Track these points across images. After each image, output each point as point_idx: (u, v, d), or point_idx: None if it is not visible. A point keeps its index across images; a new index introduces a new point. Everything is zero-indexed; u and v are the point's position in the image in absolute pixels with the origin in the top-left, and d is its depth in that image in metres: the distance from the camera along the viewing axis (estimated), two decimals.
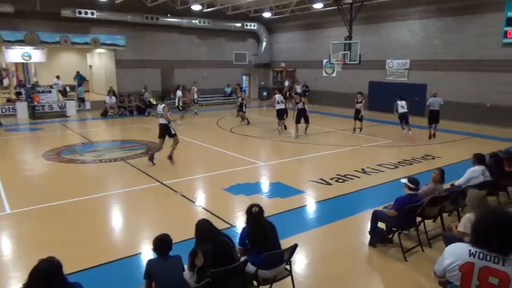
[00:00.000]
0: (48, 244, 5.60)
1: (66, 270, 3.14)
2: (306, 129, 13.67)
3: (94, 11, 19.38)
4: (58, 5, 18.61)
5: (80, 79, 23.60)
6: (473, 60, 16.44)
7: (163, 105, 10.01)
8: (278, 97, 14.86)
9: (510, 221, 2.50)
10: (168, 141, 10.17)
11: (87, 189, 8.18)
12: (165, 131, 9.98)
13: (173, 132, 9.99)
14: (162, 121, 9.98)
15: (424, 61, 18.22)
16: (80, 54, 26.93)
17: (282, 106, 14.68)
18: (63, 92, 22.34)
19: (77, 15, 18.95)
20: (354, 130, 14.79)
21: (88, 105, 21.10)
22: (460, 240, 4.71)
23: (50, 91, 19.55)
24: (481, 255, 2.49)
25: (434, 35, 17.78)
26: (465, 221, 4.64)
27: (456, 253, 2.61)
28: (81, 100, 20.92)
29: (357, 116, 14.67)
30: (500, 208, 3.01)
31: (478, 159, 6.67)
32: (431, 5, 17.71)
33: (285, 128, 15.01)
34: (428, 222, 6.07)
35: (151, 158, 10.06)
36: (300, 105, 13.32)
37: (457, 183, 6.66)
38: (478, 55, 16.25)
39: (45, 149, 11.73)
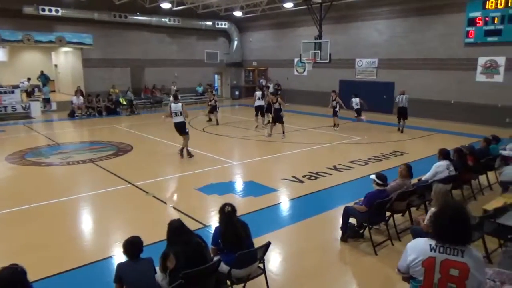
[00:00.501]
0: (12, 251, 5.40)
1: (32, 277, 3.03)
2: (283, 131, 13.52)
3: (59, 8, 18.70)
4: (20, 2, 17.86)
5: (45, 79, 22.75)
6: (437, 59, 17.04)
7: (180, 103, 10.51)
8: (258, 93, 15.46)
9: (465, 213, 2.59)
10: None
11: (54, 192, 7.91)
12: (180, 128, 10.45)
13: (187, 130, 10.55)
14: (179, 119, 10.37)
15: (391, 59, 18.72)
16: (45, 53, 25.97)
17: (261, 102, 15.17)
18: (31, 93, 21.54)
19: (41, 12, 18.22)
20: (335, 125, 15.41)
21: (54, 106, 20.37)
22: (427, 232, 4.88)
23: (13, 92, 18.71)
24: (441, 248, 2.56)
25: (400, 35, 18.29)
26: (431, 215, 4.81)
27: (418, 249, 2.66)
28: (47, 101, 20.19)
29: (334, 113, 15.32)
30: (456, 201, 3.11)
31: (443, 154, 6.91)
32: (396, 5, 18.21)
33: (264, 123, 15.50)
34: (397, 216, 6.25)
35: (181, 153, 10.69)
36: (276, 105, 13.46)
37: (424, 177, 6.88)
38: (442, 54, 16.86)
39: (8, 152, 11.23)
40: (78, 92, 19.53)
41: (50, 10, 18.45)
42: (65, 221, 6.61)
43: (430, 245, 2.61)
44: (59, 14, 18.82)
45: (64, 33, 19.94)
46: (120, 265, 3.68)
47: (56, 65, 26.30)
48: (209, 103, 16.86)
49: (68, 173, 9.55)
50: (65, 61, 24.81)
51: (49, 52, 25.78)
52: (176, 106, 10.32)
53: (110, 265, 5.03)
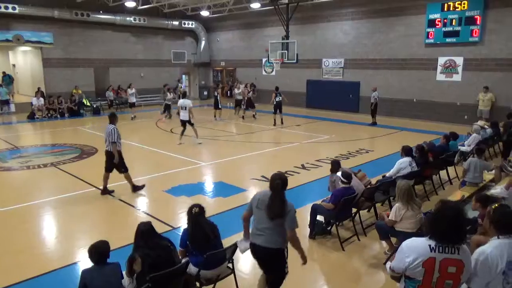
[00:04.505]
0: None
1: None
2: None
3: (16, 5, 17.86)
4: None
5: (8, 79, 21.63)
6: (400, 59, 17.61)
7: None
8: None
9: (463, 213, 2.68)
10: None
11: (13, 198, 7.55)
12: None
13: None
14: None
15: (357, 60, 19.16)
16: (1, 52, 24.75)
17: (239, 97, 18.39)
18: None
19: None
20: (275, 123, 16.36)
21: (12, 108, 19.45)
22: (392, 228, 5.04)
23: None
24: (440, 248, 2.60)
25: (365, 36, 18.75)
26: (395, 210, 4.97)
27: (417, 250, 2.64)
28: (4, 102, 19.23)
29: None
30: (452, 201, 3.13)
31: (406, 151, 7.15)
32: (361, 7, 18.66)
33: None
34: (363, 212, 6.40)
35: None
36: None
37: (387, 174, 7.09)
38: (404, 54, 17.44)
39: None
40: (39, 93, 18.75)
41: (6, 7, 17.58)
42: (25, 228, 6.32)
43: (430, 245, 2.62)
44: (16, 11, 17.97)
45: (22, 31, 19.05)
46: (85, 271, 3.56)
47: (14, 65, 25.14)
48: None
49: (28, 178, 9.14)
50: (23, 61, 23.74)
51: (6, 51, 24.60)
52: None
53: (75, 271, 4.86)
